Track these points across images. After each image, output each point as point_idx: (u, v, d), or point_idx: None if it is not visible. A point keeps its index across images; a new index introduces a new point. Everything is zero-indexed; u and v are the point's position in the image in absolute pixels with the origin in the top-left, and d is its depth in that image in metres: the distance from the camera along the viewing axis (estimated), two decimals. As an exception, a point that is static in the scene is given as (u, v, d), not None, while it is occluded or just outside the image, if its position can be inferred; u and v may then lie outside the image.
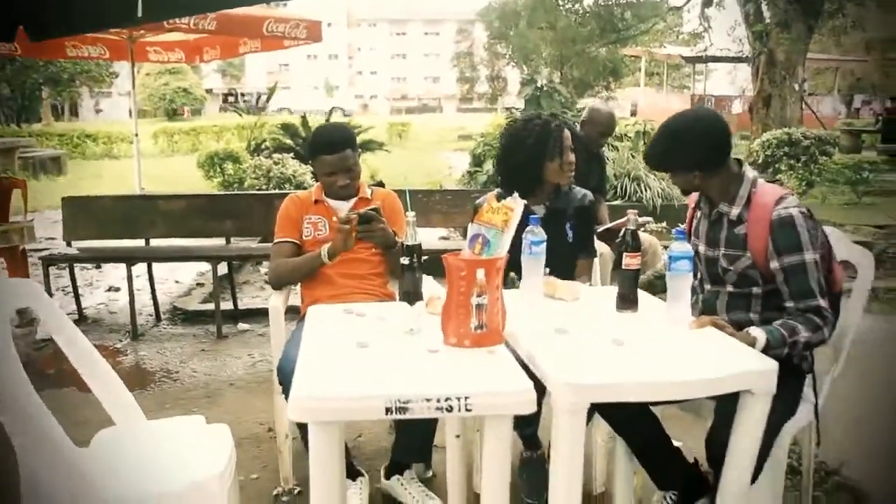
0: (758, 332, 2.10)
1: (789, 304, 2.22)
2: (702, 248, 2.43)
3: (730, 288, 2.37)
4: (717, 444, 2.01)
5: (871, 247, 6.48)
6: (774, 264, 2.22)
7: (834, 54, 26.64)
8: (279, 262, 2.90)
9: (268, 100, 17.03)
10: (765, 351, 2.05)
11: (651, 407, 2.45)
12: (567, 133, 2.84)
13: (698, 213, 2.49)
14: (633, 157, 7.63)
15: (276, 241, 2.95)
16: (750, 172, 2.34)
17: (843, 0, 15.01)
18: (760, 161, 10.17)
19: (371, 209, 2.64)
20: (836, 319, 2.32)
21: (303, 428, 2.22)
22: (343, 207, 2.92)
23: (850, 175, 10.61)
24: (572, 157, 2.84)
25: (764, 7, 13.81)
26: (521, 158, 2.82)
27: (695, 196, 2.53)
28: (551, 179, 2.83)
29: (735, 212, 2.31)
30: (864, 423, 3.47)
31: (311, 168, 2.99)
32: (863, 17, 18.98)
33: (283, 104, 29.33)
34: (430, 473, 2.94)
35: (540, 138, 2.80)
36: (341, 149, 2.86)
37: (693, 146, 2.29)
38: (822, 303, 2.18)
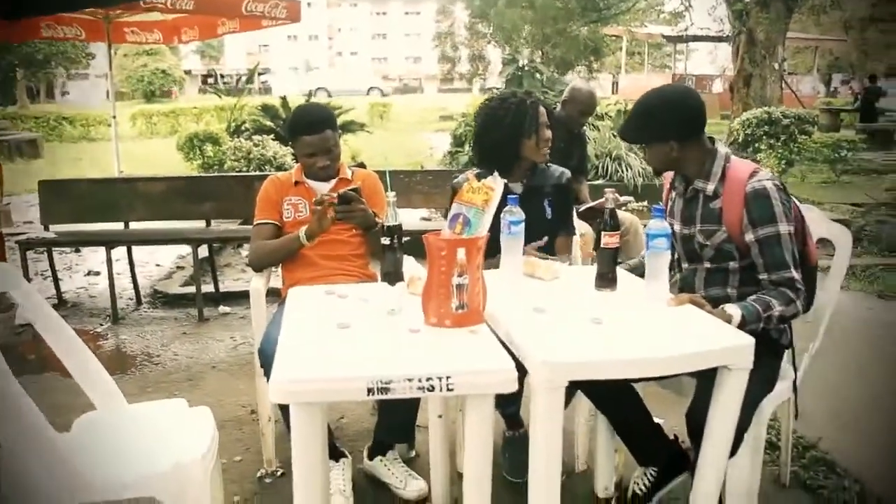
0: (733, 310, 2.13)
1: (763, 277, 2.25)
2: (677, 227, 2.45)
3: (707, 264, 2.40)
4: (697, 419, 2.03)
5: (848, 225, 6.55)
6: (749, 236, 2.25)
7: (813, 33, 26.71)
8: (259, 245, 2.88)
9: (248, 81, 16.82)
10: (740, 327, 2.08)
11: (633, 384, 2.48)
12: (542, 110, 2.83)
13: (673, 193, 2.51)
14: (614, 136, 7.64)
15: (256, 222, 2.93)
16: (722, 148, 2.37)
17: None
18: (741, 140, 10.21)
19: (351, 190, 2.63)
20: (812, 293, 2.35)
21: (285, 410, 2.22)
22: (323, 188, 2.91)
23: (829, 154, 10.69)
24: (548, 133, 2.83)
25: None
26: (498, 136, 2.81)
27: (669, 176, 2.55)
28: (528, 157, 2.82)
29: (711, 187, 2.33)
30: (841, 397, 3.52)
31: (292, 149, 2.98)
32: (841, -5, 19.06)
33: (320, 83, 28.61)
34: (412, 454, 2.96)
35: (516, 116, 2.79)
36: (321, 129, 2.84)
37: (668, 116, 2.32)
38: (796, 275, 2.21)
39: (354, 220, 2.68)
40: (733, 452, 2.09)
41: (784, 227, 2.22)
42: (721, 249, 2.33)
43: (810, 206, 2.56)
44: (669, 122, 2.32)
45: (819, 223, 2.55)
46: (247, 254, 5.70)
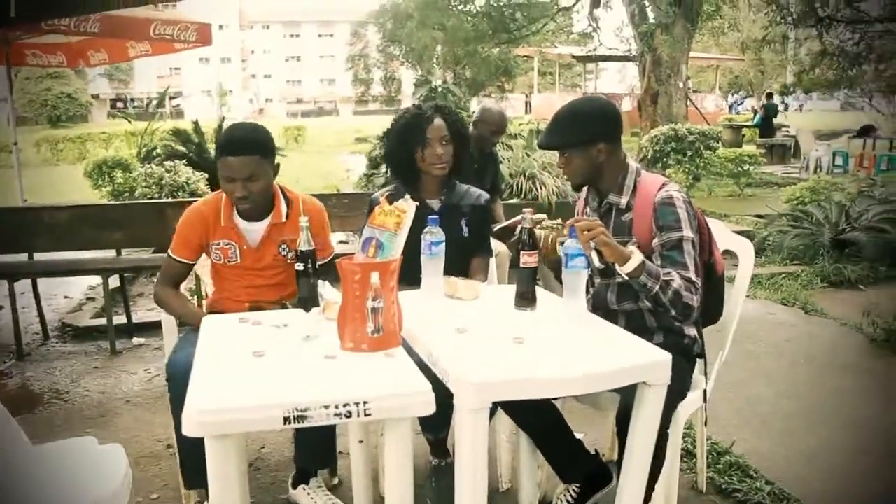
0: (637, 254, 2.17)
1: None
2: (592, 242, 2.48)
3: (619, 279, 2.43)
4: (627, 422, 2.05)
5: (752, 236, 6.84)
6: (655, 241, 2.31)
7: (714, 53, 27.90)
8: (165, 295, 2.67)
9: (158, 105, 16.42)
10: (634, 275, 2.15)
11: (552, 400, 2.50)
12: (439, 123, 2.81)
13: (587, 209, 2.56)
14: (527, 155, 7.73)
15: (169, 254, 2.69)
16: (633, 163, 2.45)
17: (719, 2, 15.92)
18: (650, 156, 10.54)
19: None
20: (721, 301, 2.47)
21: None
22: (256, 230, 2.63)
23: (733, 168, 11.16)
24: (440, 149, 2.80)
25: (648, 9, 14.36)
26: (393, 146, 2.92)
27: (582, 194, 2.60)
28: (422, 168, 2.85)
29: (624, 200, 2.40)
30: (751, 402, 3.65)
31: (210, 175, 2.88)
32: (737, 18, 20.10)
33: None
34: (336, 480, 2.91)
35: (407, 126, 2.85)
36: (247, 152, 2.46)
37: (595, 117, 2.38)
38: (694, 277, 2.25)
39: None
40: (656, 473, 2.13)
41: (687, 233, 2.27)
42: None
43: (714, 220, 2.66)
44: (597, 122, 2.38)
45: (723, 235, 2.65)
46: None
